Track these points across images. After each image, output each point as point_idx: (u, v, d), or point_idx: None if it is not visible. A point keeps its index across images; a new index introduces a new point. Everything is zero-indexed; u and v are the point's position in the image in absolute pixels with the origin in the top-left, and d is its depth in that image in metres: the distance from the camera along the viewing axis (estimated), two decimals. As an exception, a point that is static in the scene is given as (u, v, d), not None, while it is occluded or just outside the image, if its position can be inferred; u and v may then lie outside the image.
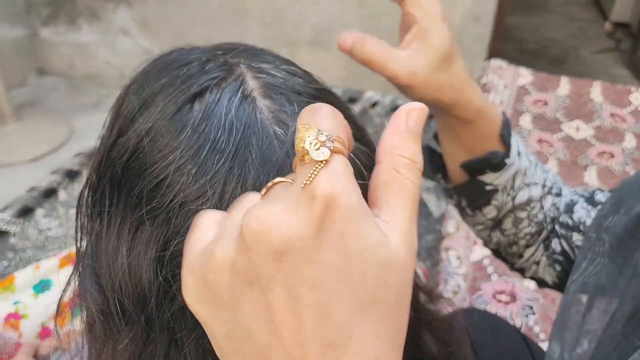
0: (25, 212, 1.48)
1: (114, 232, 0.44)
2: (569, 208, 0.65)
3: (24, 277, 1.10)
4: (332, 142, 0.28)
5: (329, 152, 0.28)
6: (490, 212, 0.64)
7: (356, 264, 0.26)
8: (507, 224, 0.65)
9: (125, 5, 2.41)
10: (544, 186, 0.65)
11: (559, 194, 0.66)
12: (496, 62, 1.83)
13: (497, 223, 0.66)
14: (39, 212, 1.56)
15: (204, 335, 0.42)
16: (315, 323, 0.26)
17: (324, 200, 0.26)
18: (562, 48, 2.82)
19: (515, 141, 0.62)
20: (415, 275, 0.59)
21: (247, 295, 0.27)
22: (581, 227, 0.63)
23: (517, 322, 1.14)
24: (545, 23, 3.04)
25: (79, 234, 0.48)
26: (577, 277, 0.57)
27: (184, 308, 0.41)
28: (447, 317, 0.64)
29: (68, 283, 0.49)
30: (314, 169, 0.27)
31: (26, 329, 1.03)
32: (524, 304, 1.17)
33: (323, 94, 0.46)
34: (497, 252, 0.71)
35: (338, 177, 0.27)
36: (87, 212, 0.47)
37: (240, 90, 0.43)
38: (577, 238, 0.63)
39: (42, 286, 1.10)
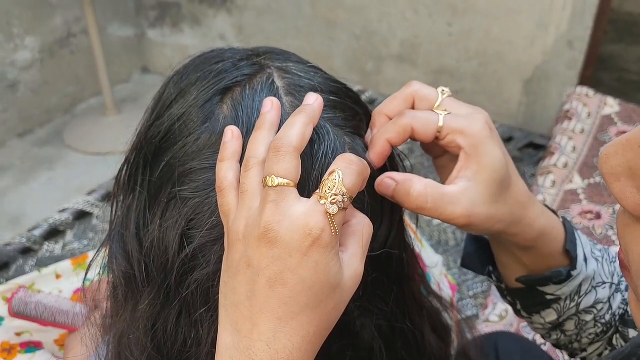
0: (109, 197, 1.59)
1: (145, 203, 0.49)
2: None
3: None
4: (344, 202, 0.40)
5: (337, 210, 0.39)
6: (549, 315, 0.58)
7: (317, 282, 0.39)
8: (570, 326, 0.58)
9: (225, 13, 2.53)
10: (612, 284, 0.57)
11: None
12: (582, 90, 1.77)
13: (557, 326, 0.59)
14: (122, 199, 1.66)
15: (212, 308, 0.46)
16: (277, 304, 0.39)
17: (316, 239, 0.39)
18: (667, 81, 2.67)
19: (581, 246, 0.55)
20: (428, 283, 0.60)
21: (244, 270, 0.40)
22: None
23: (567, 355, 1.10)
24: (652, 54, 2.89)
25: (114, 206, 0.53)
26: None
27: (202, 284, 0.46)
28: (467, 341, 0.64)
29: (99, 250, 0.54)
30: (330, 219, 0.39)
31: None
32: (575, 337, 1.13)
33: (341, 91, 0.50)
34: (557, 346, 0.64)
35: (333, 228, 0.39)
36: (122, 185, 0.52)
37: (268, 88, 0.48)
38: (634, 334, 0.57)
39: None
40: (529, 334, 1.13)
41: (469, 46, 2.13)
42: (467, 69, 2.17)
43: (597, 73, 2.27)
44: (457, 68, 2.18)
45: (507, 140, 2.01)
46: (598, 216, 1.37)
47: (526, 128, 2.12)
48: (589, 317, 0.58)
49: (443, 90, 0.50)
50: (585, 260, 0.55)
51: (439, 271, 0.73)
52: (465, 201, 0.46)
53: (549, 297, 0.56)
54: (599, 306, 0.57)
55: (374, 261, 0.46)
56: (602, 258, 0.58)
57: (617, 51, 2.88)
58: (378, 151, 0.47)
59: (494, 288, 1.20)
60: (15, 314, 0.89)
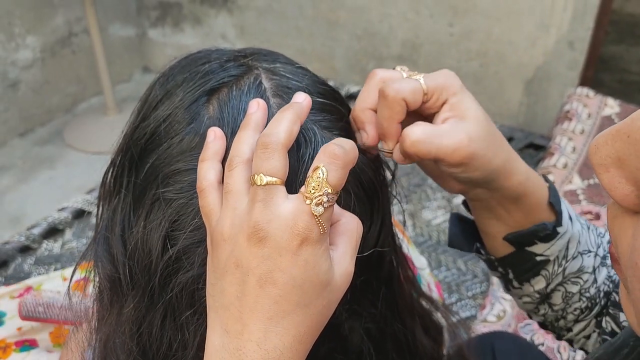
0: (108, 195, 1.59)
1: (130, 206, 0.49)
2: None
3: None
4: (329, 201, 0.39)
5: (323, 210, 0.39)
6: (538, 282, 0.59)
7: (307, 280, 0.39)
8: (557, 298, 0.60)
9: (227, 13, 2.53)
10: (596, 255, 0.59)
11: None
12: (582, 90, 1.77)
13: (545, 297, 0.60)
14: (122, 198, 1.67)
15: (197, 312, 0.46)
16: (267, 303, 0.39)
17: (305, 238, 0.38)
18: (669, 82, 2.66)
19: (565, 205, 0.57)
20: (418, 285, 0.60)
21: (232, 270, 0.40)
22: None
23: (564, 355, 1.10)
24: (653, 55, 2.88)
25: (100, 208, 0.53)
26: None
27: (186, 287, 0.45)
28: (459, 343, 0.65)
29: (85, 252, 0.54)
30: (317, 219, 0.39)
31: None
32: (573, 338, 1.12)
33: (329, 93, 0.50)
34: (543, 325, 0.65)
35: (320, 227, 0.39)
36: (108, 188, 0.52)
37: (255, 89, 0.47)
38: (624, 318, 0.56)
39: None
40: (526, 334, 1.13)
41: (470, 47, 2.12)
42: (468, 70, 2.17)
43: (598, 74, 2.27)
44: (458, 68, 2.18)
45: (507, 140, 2.00)
46: (597, 217, 1.37)
47: (527, 128, 2.12)
48: (574, 289, 0.58)
49: (402, 68, 0.51)
50: (571, 219, 0.57)
51: (428, 272, 0.73)
52: (462, 132, 0.47)
53: (538, 258, 0.57)
54: (585, 277, 0.58)
55: (364, 263, 0.46)
56: (587, 228, 0.59)
57: (618, 52, 2.87)
58: (394, 138, 0.48)
59: (492, 288, 1.20)
60: (25, 317, 0.90)
